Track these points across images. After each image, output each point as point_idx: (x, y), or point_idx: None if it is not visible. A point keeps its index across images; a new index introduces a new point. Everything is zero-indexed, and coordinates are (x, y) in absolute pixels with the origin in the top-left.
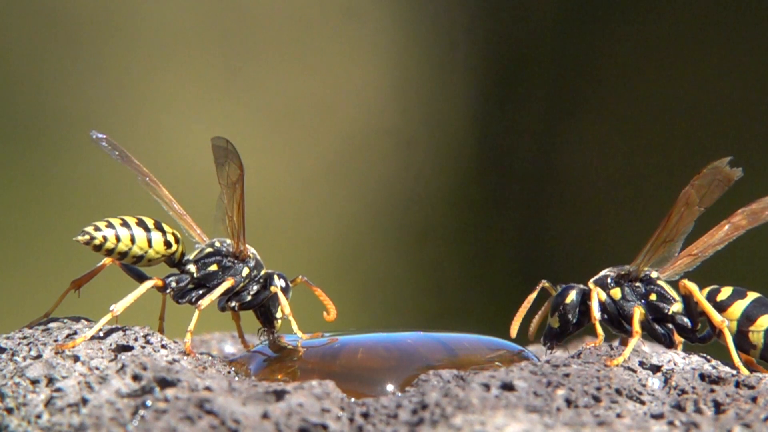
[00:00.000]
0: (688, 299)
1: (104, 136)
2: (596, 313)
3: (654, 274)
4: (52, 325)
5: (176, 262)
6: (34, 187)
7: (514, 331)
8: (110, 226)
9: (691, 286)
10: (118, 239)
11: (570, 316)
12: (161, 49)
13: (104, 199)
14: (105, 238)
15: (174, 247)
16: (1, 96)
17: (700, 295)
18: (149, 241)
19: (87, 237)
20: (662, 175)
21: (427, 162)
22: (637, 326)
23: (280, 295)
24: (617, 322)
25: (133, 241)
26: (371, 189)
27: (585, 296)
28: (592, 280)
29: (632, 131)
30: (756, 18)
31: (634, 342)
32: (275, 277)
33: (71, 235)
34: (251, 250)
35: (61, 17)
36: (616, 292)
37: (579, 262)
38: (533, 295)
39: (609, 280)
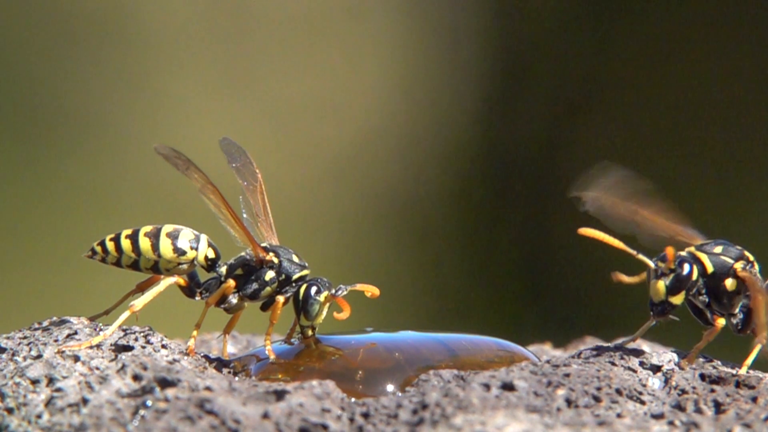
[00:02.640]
0: (751, 309)
1: (167, 147)
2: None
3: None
4: (51, 325)
5: (206, 267)
6: (37, 187)
7: (584, 231)
8: (115, 239)
9: (762, 304)
10: (120, 251)
11: (691, 292)
12: (168, 51)
13: (109, 201)
14: (106, 251)
15: (189, 253)
16: (12, 96)
17: (763, 311)
18: (155, 249)
19: (90, 253)
20: (666, 175)
21: (429, 162)
22: (765, 334)
23: (278, 306)
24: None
25: (137, 251)
26: (374, 188)
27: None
28: (710, 257)
29: (636, 131)
30: (758, 19)
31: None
32: (304, 285)
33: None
34: (285, 254)
35: (72, 20)
36: (732, 284)
37: (581, 262)
38: (626, 247)
39: (730, 270)
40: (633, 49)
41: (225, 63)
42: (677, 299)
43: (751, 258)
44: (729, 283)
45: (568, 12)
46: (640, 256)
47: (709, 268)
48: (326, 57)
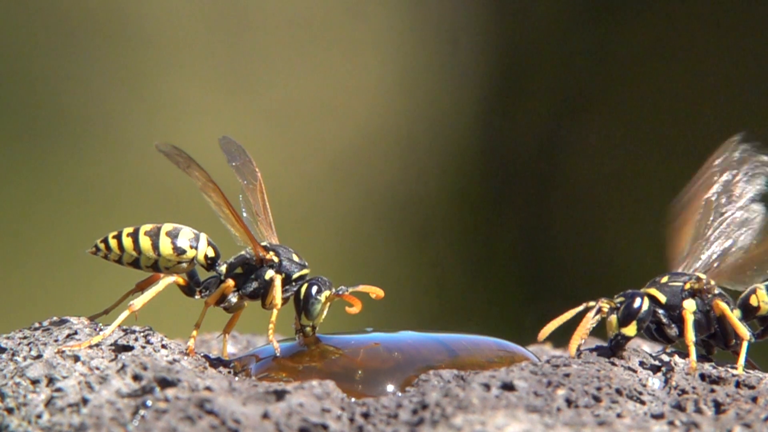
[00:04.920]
0: (721, 317)
1: (168, 144)
2: (691, 334)
3: (713, 283)
4: (52, 325)
5: (206, 266)
6: (37, 186)
7: (543, 335)
8: (117, 236)
9: (724, 307)
10: (122, 249)
11: (645, 324)
12: (168, 51)
13: (109, 201)
14: (109, 249)
15: (189, 252)
16: (12, 96)
17: (731, 315)
18: (155, 248)
19: (93, 249)
20: (665, 176)
21: (429, 162)
22: (744, 331)
23: (276, 306)
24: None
25: (137, 249)
26: (373, 188)
27: (652, 302)
28: (657, 288)
29: (635, 132)
30: (758, 19)
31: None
32: (305, 285)
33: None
34: (285, 253)
35: (72, 20)
36: (690, 305)
37: (581, 263)
38: (576, 310)
39: (682, 292)
40: (633, 49)
41: (225, 63)
42: (629, 330)
43: (703, 277)
44: (687, 304)
45: (568, 12)
46: (591, 303)
47: (661, 299)
48: (326, 57)
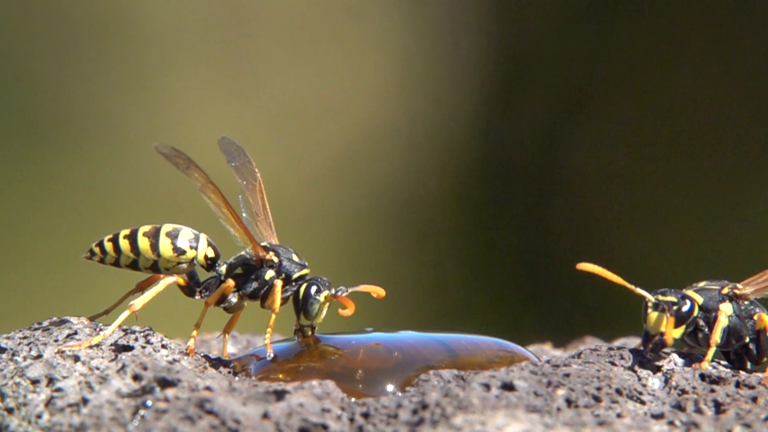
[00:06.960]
0: (760, 331)
1: (167, 146)
2: (718, 336)
3: (749, 290)
4: (51, 325)
5: (206, 267)
6: (36, 186)
7: (583, 266)
8: (113, 239)
9: (766, 319)
10: (118, 252)
11: (690, 329)
12: (168, 51)
13: (109, 201)
14: (105, 252)
15: (189, 252)
16: (12, 96)
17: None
18: (154, 249)
19: (89, 254)
20: (665, 176)
21: (429, 162)
22: None
23: (275, 311)
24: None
25: (135, 251)
26: (373, 188)
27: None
28: (697, 291)
29: (635, 131)
30: (758, 18)
31: None
32: (304, 285)
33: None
34: (285, 253)
35: (72, 20)
36: (727, 308)
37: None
38: (624, 282)
39: (719, 295)
40: (632, 49)
41: (225, 63)
42: (676, 332)
43: (740, 286)
44: (724, 307)
45: (568, 12)
46: (639, 290)
47: (699, 300)
48: (326, 57)
